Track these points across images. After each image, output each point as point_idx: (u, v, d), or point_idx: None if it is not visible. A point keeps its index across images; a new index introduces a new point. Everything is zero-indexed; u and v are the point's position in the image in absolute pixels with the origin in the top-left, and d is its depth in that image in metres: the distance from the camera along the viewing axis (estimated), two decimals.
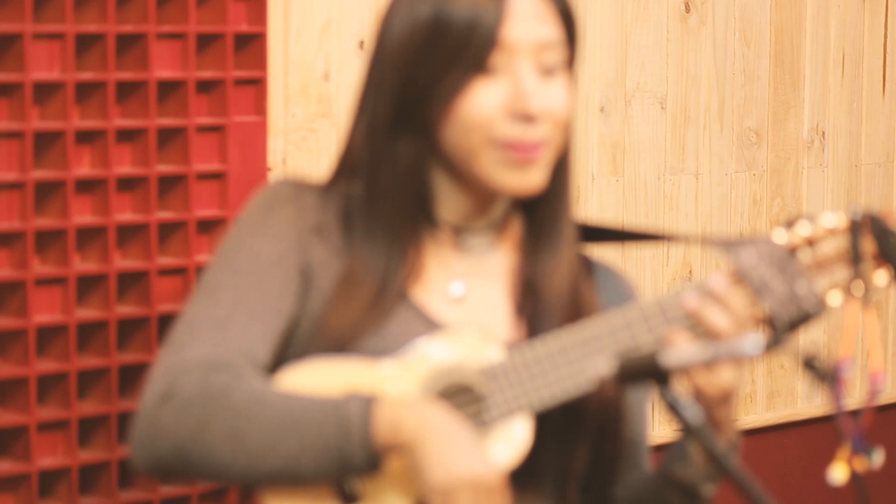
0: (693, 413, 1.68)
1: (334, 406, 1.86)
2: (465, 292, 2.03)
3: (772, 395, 3.46)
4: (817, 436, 3.48)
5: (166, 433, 1.88)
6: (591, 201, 3.18)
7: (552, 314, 2.01)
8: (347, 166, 2.06)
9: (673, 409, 1.69)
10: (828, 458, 1.83)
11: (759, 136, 3.46)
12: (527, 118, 1.95)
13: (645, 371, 1.71)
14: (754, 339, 1.66)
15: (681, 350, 1.70)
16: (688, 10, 3.32)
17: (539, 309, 2.02)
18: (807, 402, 3.49)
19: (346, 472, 1.86)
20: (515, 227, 2.08)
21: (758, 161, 3.47)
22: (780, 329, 1.94)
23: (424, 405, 1.85)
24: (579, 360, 1.92)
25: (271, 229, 2.00)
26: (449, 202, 2.03)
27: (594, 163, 3.23)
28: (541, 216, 2.05)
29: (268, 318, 1.96)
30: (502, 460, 1.91)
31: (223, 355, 1.91)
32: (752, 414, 3.42)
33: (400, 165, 1.98)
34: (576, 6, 2.03)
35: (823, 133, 3.56)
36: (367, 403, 1.85)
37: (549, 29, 1.98)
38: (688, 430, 1.68)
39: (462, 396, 1.94)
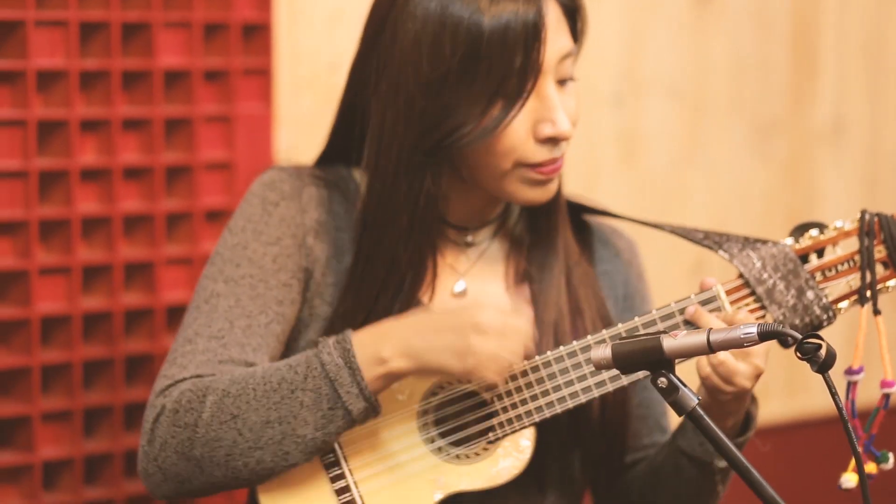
0: (687, 396, 1.66)
1: (313, 357, 1.87)
2: (466, 288, 2.04)
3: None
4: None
5: (167, 445, 1.89)
6: (603, 193, 3.16)
7: (548, 304, 2.01)
8: (346, 149, 2.03)
9: (665, 393, 1.67)
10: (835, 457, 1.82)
11: (774, 127, 3.43)
12: (556, 141, 1.95)
13: (639, 356, 1.69)
14: (747, 326, 1.63)
15: (676, 337, 1.68)
16: None
17: (536, 300, 2.02)
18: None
19: (348, 424, 1.88)
20: (512, 222, 2.09)
21: (773, 152, 3.44)
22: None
23: (396, 326, 1.88)
24: (584, 364, 1.92)
25: (269, 233, 1.99)
26: (454, 203, 2.02)
27: (607, 154, 3.21)
28: (536, 211, 2.05)
29: (266, 328, 1.96)
30: (510, 471, 1.94)
31: (217, 369, 1.93)
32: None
33: (422, 187, 1.94)
34: None
35: (842, 123, 3.53)
36: (344, 350, 1.86)
37: (567, 39, 1.96)
38: (682, 413, 1.66)
39: (464, 402, 1.95)
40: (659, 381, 1.69)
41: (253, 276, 1.97)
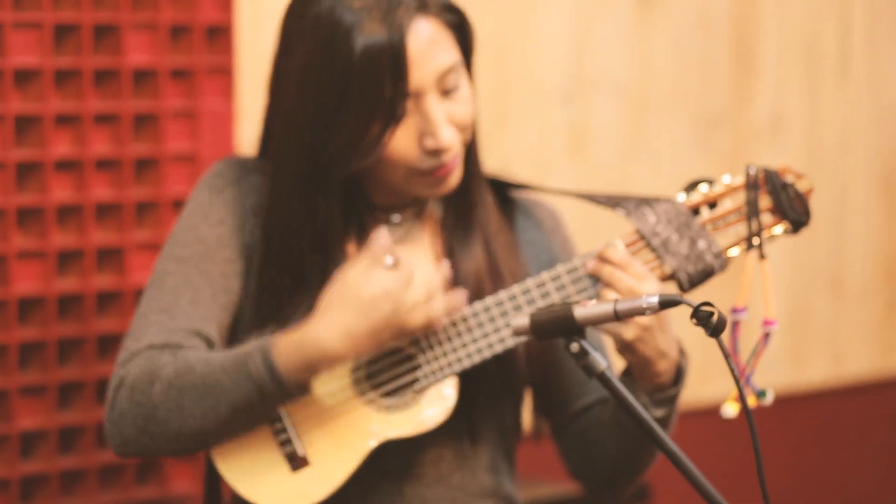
0: (596, 360, 1.82)
1: (242, 365, 2.03)
2: (395, 262, 2.19)
3: None
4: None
5: (125, 416, 2.07)
6: (553, 183, 3.28)
7: (468, 274, 2.18)
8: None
9: (576, 357, 1.83)
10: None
11: (716, 123, 3.58)
12: (440, 152, 2.09)
13: (554, 324, 1.85)
14: (649, 296, 1.79)
15: (587, 307, 1.84)
16: None
17: (457, 271, 2.18)
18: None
19: (277, 412, 2.07)
20: (433, 202, 2.24)
21: (715, 146, 3.58)
22: (685, 285, 2.10)
23: (314, 325, 2.03)
24: (498, 318, 2.09)
25: (214, 215, 2.16)
26: (377, 190, 2.18)
27: (556, 147, 3.35)
28: (454, 192, 2.19)
29: (211, 299, 2.13)
30: (434, 418, 2.11)
31: (168, 338, 2.09)
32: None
33: (317, 210, 2.10)
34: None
35: (781, 119, 3.68)
36: (267, 360, 2.02)
37: (448, 54, 2.08)
38: (591, 375, 1.82)
39: (392, 357, 2.12)
40: (571, 347, 1.86)
41: (199, 254, 2.14)
